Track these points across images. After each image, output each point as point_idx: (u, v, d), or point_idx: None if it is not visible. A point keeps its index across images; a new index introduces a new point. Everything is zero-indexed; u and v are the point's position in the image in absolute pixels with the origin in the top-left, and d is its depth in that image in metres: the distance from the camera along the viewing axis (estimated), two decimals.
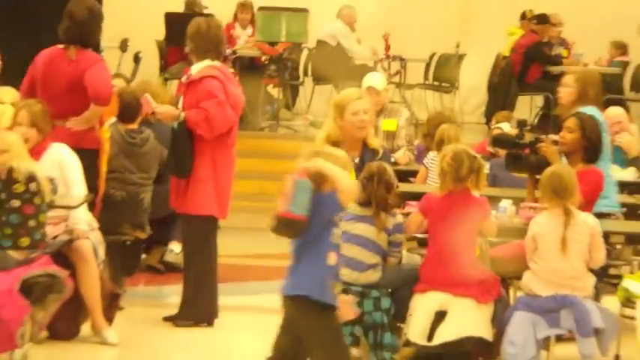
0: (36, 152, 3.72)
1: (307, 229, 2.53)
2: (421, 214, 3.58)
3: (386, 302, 3.50)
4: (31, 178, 3.41)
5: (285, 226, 2.54)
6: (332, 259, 2.60)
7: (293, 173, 2.59)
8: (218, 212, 4.21)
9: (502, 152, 4.69)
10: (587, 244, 3.48)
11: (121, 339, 3.90)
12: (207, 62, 4.14)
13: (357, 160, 3.73)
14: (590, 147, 3.97)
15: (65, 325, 3.84)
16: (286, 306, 2.64)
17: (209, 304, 4.24)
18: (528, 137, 4.28)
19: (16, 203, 3.42)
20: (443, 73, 8.75)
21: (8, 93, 4.59)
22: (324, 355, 2.62)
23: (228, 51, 6.56)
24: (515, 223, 3.77)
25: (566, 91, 4.50)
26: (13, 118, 3.85)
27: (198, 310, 4.21)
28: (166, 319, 4.25)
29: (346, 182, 2.60)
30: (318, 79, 8.48)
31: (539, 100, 8.93)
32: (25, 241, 3.46)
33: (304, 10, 7.86)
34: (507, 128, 5.41)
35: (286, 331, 2.65)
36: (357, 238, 3.47)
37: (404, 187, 4.20)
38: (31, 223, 3.47)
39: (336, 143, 3.60)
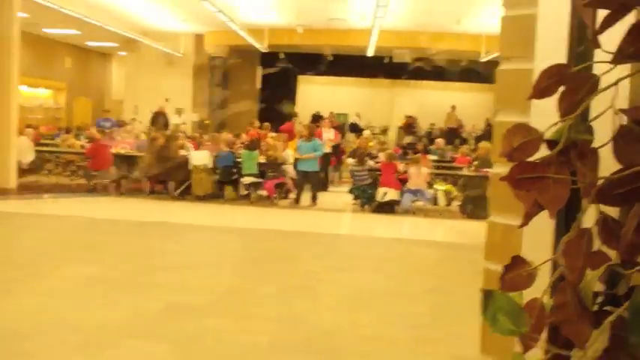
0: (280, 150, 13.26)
1: None
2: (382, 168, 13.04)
3: (372, 188, 12.81)
4: (278, 157, 12.79)
5: None
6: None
7: None
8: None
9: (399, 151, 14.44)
10: (426, 176, 12.87)
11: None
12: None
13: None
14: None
15: (286, 195, 13.32)
16: None
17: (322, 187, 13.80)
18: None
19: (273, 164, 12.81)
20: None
21: (270, 132, 14.72)
22: None
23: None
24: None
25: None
26: (274, 139, 13.59)
27: (320, 185, 13.71)
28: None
29: None
30: (352, 131, 22.41)
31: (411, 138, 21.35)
32: (274, 172, 12.78)
33: (345, 114, 24.56)
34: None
35: None
36: (363, 173, 12.85)
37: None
38: (277, 168, 12.82)
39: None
